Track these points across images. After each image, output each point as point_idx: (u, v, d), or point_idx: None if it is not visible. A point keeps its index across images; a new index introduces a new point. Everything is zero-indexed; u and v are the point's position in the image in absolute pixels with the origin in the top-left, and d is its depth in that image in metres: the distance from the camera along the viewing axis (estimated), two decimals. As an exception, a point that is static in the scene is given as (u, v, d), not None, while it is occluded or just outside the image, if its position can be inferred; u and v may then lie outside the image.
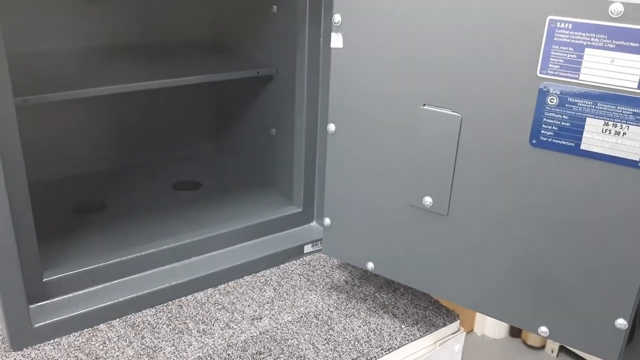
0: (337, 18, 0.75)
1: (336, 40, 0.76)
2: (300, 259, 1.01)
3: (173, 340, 0.80)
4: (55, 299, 0.82)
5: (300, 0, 0.91)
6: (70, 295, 0.83)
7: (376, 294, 0.91)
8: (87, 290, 0.85)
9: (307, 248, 1.01)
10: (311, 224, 1.06)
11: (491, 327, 2.10)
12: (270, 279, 0.94)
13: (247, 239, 0.99)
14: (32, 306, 0.80)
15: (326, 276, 0.95)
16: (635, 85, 0.58)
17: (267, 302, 0.88)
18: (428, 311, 0.88)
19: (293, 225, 1.05)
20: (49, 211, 1.03)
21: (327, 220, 0.86)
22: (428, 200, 0.75)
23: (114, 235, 0.95)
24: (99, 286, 0.86)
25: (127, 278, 0.88)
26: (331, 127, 0.81)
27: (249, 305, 0.87)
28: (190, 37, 1.23)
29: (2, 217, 0.71)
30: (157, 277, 0.89)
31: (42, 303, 0.81)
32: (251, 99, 1.15)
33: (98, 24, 1.11)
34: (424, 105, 0.72)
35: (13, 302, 0.76)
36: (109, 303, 0.83)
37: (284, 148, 1.07)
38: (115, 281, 0.87)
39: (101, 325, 0.82)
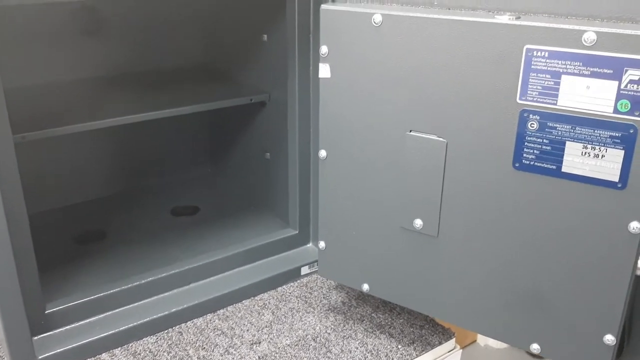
0: (324, 49, 0.78)
1: (324, 71, 0.79)
2: (298, 281, 1.02)
3: (174, 367, 0.81)
4: (58, 330, 0.84)
5: (290, 29, 0.94)
6: (73, 325, 0.85)
7: (373, 314, 0.93)
8: (89, 320, 0.86)
9: (304, 270, 1.03)
10: (307, 245, 1.08)
11: (493, 338, 2.10)
12: (269, 303, 0.96)
13: (245, 263, 1.01)
14: (35, 338, 0.81)
15: (323, 297, 0.97)
16: (611, 109, 0.60)
17: (266, 326, 0.90)
18: (424, 330, 0.90)
19: (290, 248, 1.06)
20: (50, 242, 1.04)
21: (321, 244, 0.88)
22: (418, 222, 0.77)
23: (115, 265, 0.97)
24: (101, 316, 0.87)
25: (127, 307, 0.90)
26: (322, 153, 0.83)
27: (247, 330, 0.89)
28: (185, 64, 1.25)
29: (4, 251, 0.73)
30: (157, 305, 0.91)
31: (46, 335, 0.83)
32: (245, 124, 1.17)
33: (94, 55, 1.14)
34: (411, 131, 0.74)
35: (16, 335, 0.77)
36: (110, 332, 0.85)
37: (279, 171, 1.09)
38: (117, 310, 0.89)
39: (103, 354, 0.84)
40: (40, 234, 0.79)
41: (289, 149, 1.04)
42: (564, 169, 0.64)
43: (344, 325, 0.90)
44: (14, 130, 0.77)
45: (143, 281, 0.91)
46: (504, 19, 0.64)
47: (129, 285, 0.90)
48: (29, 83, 1.08)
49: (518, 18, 0.64)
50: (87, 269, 0.95)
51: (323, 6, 0.76)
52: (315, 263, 1.04)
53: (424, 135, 0.73)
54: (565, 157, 0.64)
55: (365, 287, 0.85)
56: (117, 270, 0.95)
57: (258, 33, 1.04)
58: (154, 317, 0.88)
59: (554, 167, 0.65)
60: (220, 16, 1.17)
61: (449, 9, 0.72)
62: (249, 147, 1.18)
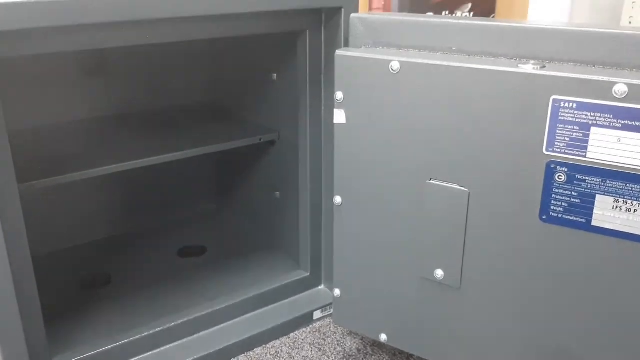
0: (339, 95, 0.75)
1: (339, 116, 0.77)
2: (310, 326, 0.99)
3: None
4: (65, 386, 0.81)
5: (300, 69, 0.92)
6: (80, 380, 0.82)
7: (390, 363, 0.90)
8: (96, 374, 0.83)
9: (317, 314, 1.00)
10: (319, 287, 1.05)
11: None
12: (281, 351, 0.92)
13: (255, 308, 0.98)
14: (41, 395, 0.78)
15: (337, 344, 0.94)
16: (644, 163, 0.58)
17: (280, 377, 0.87)
18: (443, 379, 0.87)
19: (301, 290, 1.03)
20: (55, 287, 1.01)
21: (337, 291, 0.85)
22: (440, 273, 0.74)
23: (122, 313, 0.94)
24: (108, 369, 0.84)
25: (136, 358, 0.86)
26: (337, 199, 0.81)
27: (261, 381, 0.86)
28: (193, 103, 1.23)
29: (8, 305, 0.71)
30: (167, 355, 0.88)
31: (51, 391, 0.80)
32: (254, 162, 1.15)
33: (100, 95, 1.12)
34: (430, 179, 0.72)
35: (22, 393, 0.74)
36: (119, 387, 0.81)
37: (289, 211, 1.07)
38: (125, 362, 0.86)
39: (112, 411, 0.81)
40: (45, 277, 0.77)
41: (299, 188, 1.01)
42: (594, 223, 0.62)
43: (361, 375, 0.87)
44: (22, 178, 0.74)
45: (151, 331, 0.88)
46: (529, 68, 0.62)
47: (137, 337, 0.86)
48: (34, 125, 1.06)
49: (543, 67, 0.62)
50: (94, 318, 0.92)
51: (338, 52, 0.74)
52: (328, 307, 1.01)
53: (444, 184, 0.71)
54: (595, 211, 0.61)
55: (383, 337, 0.82)
56: (124, 319, 0.92)
57: (267, 72, 1.02)
58: (164, 369, 0.85)
59: (584, 220, 0.62)
60: (228, 55, 1.15)
61: (469, 55, 0.70)
62: (258, 186, 1.15)
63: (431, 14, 1.69)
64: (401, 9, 1.62)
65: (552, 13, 1.97)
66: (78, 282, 1.03)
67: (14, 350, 0.73)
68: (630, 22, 2.00)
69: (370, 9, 1.59)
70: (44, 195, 1.11)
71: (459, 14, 1.78)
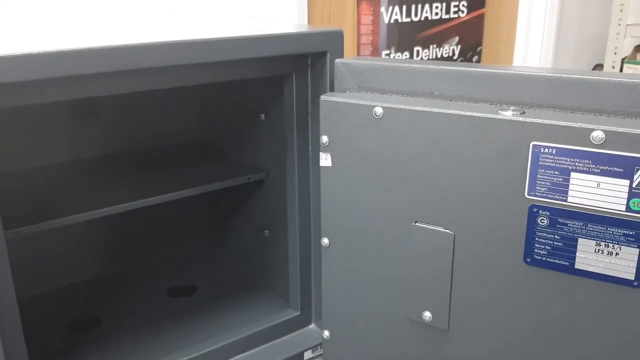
0: (324, 139, 0.76)
1: (324, 160, 0.77)
2: (301, 367, 0.99)
3: None
4: None
5: (287, 111, 0.93)
6: None
7: (381, 404, 0.89)
8: (84, 421, 0.82)
9: (307, 354, 1.00)
10: (310, 326, 1.05)
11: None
12: (272, 392, 0.92)
13: (246, 349, 0.98)
14: None
15: (328, 385, 0.93)
16: (624, 207, 0.58)
17: (270, 421, 0.86)
18: (435, 420, 0.86)
19: (292, 330, 1.03)
20: (42, 330, 1.01)
21: (326, 333, 0.85)
22: (428, 314, 0.74)
23: (112, 356, 0.93)
24: (96, 415, 0.83)
25: (125, 404, 0.86)
26: (325, 241, 0.81)
27: None
28: (181, 143, 1.24)
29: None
30: (156, 401, 0.87)
31: None
32: (243, 201, 1.15)
33: (88, 136, 1.12)
34: (416, 222, 0.72)
35: None
36: None
37: (279, 249, 1.07)
38: (113, 409, 0.85)
39: None
40: (31, 321, 0.76)
41: (288, 227, 1.02)
42: (577, 266, 0.62)
43: (352, 417, 0.86)
44: (9, 224, 0.74)
45: (141, 376, 0.87)
46: (509, 114, 0.63)
47: (126, 382, 0.86)
48: (21, 168, 1.06)
49: (523, 113, 0.63)
50: (82, 363, 0.92)
51: (323, 97, 0.76)
52: (319, 346, 1.01)
53: (430, 227, 0.71)
54: (578, 254, 0.62)
55: (373, 379, 0.82)
56: (113, 364, 0.91)
57: (255, 113, 1.03)
58: (153, 415, 0.84)
59: (567, 263, 0.63)
60: (217, 96, 1.17)
61: (450, 100, 0.71)
62: (247, 225, 1.16)
63: (419, 48, 1.71)
64: (389, 44, 1.64)
65: (537, 44, 2.00)
66: (66, 325, 1.03)
67: (0, 401, 0.72)
68: (615, 53, 2.04)
69: (359, 44, 1.61)
70: (32, 236, 1.10)
71: (446, 47, 1.81)
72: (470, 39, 1.85)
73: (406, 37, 1.67)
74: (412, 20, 1.66)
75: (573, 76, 0.64)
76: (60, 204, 0.90)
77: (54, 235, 1.13)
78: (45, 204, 0.90)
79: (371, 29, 1.59)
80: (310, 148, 0.96)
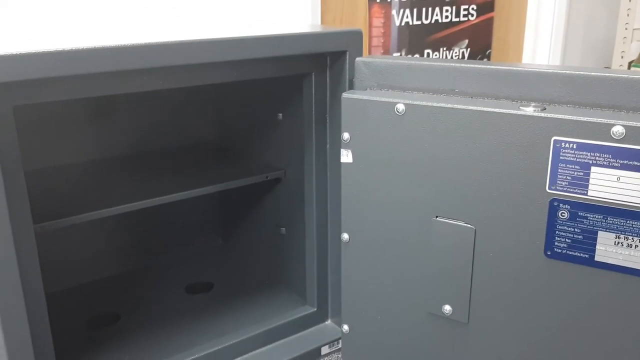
0: (345, 136, 0.78)
1: (345, 156, 0.79)
2: (318, 362, 1.00)
3: None
4: None
5: (306, 110, 0.95)
6: (90, 422, 0.82)
7: (398, 398, 0.90)
8: (106, 414, 0.84)
9: (325, 350, 1.01)
10: (326, 322, 1.06)
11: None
12: (290, 387, 0.93)
13: (263, 344, 0.99)
14: None
15: (346, 380, 0.94)
16: (643, 200, 0.60)
17: (289, 414, 0.87)
18: (452, 414, 0.87)
19: (308, 326, 1.04)
20: (62, 327, 1.02)
21: (345, 327, 0.86)
22: (447, 308, 0.75)
23: (131, 352, 0.94)
24: (118, 408, 0.85)
25: (146, 397, 0.87)
26: (345, 236, 0.83)
27: (271, 419, 0.86)
28: (200, 142, 1.26)
29: (22, 342, 0.72)
30: (177, 395, 0.88)
31: None
32: (259, 199, 1.17)
33: (107, 137, 1.14)
34: (437, 217, 0.74)
35: None
36: None
37: (295, 247, 1.08)
38: (135, 402, 0.86)
39: None
40: (52, 318, 0.78)
41: (305, 225, 1.03)
42: (597, 258, 0.64)
43: (370, 411, 0.88)
44: (35, 219, 0.76)
45: (161, 370, 0.89)
46: (530, 110, 0.64)
47: (148, 375, 0.87)
48: (42, 166, 1.08)
49: (544, 109, 0.65)
50: (103, 357, 0.93)
51: (344, 94, 0.77)
52: (336, 342, 1.02)
53: (451, 222, 0.73)
54: (597, 247, 0.63)
55: (392, 372, 0.83)
56: (133, 358, 0.92)
57: (274, 112, 1.05)
58: (174, 408, 0.86)
59: (587, 256, 0.64)
60: (235, 95, 1.18)
61: (472, 97, 0.73)
62: (264, 222, 1.17)
63: (429, 51, 1.73)
64: (399, 47, 1.66)
65: (545, 48, 2.02)
66: (86, 321, 1.04)
67: (26, 390, 0.73)
68: (622, 57, 2.05)
69: (370, 46, 1.63)
70: (51, 234, 1.12)
71: (456, 49, 1.83)
72: (480, 42, 1.87)
73: (417, 39, 1.69)
74: (422, 23, 1.68)
75: (593, 73, 0.65)
76: (82, 201, 0.92)
77: (74, 233, 1.15)
78: (67, 201, 0.92)
79: (382, 31, 1.61)
80: (328, 146, 0.98)
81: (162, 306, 1.09)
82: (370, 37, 1.63)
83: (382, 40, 1.64)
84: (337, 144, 0.84)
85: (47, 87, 0.69)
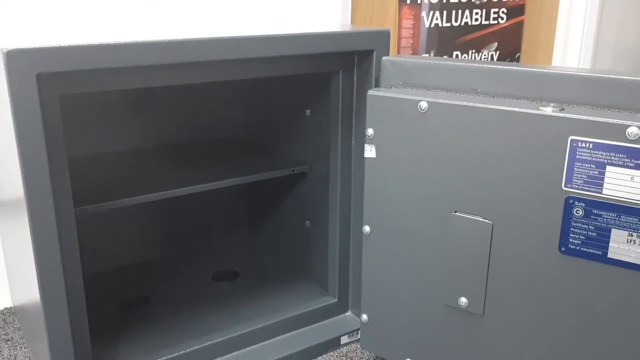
0: (369, 131, 0.81)
1: (369, 151, 0.82)
2: (337, 351, 1.03)
3: None
4: (106, 401, 0.86)
5: (333, 107, 0.98)
6: (120, 396, 0.87)
7: (414, 388, 0.93)
8: (135, 390, 0.88)
9: (344, 339, 1.04)
10: (346, 313, 1.10)
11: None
12: (309, 373, 0.96)
13: (285, 331, 1.03)
14: (83, 410, 0.84)
15: (364, 369, 0.98)
16: (656, 200, 0.62)
17: (308, 398, 0.90)
18: (466, 405, 0.90)
19: (329, 316, 1.08)
20: (97, 307, 1.07)
21: (364, 316, 0.90)
22: (464, 300, 0.78)
23: (159, 332, 0.99)
24: (146, 385, 0.89)
25: (173, 377, 0.92)
26: (366, 228, 0.86)
27: (290, 402, 0.89)
28: (229, 136, 1.30)
29: (61, 320, 0.77)
30: (201, 374, 0.92)
31: (94, 404, 0.85)
32: (285, 193, 1.21)
33: (143, 128, 1.19)
34: (456, 211, 0.76)
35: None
36: (156, 403, 0.86)
37: (318, 239, 1.12)
38: (162, 380, 0.91)
39: None
40: (87, 298, 0.83)
41: (329, 218, 1.07)
42: (609, 255, 0.66)
43: (386, 399, 0.90)
44: (76, 203, 0.81)
45: (186, 350, 0.93)
46: (549, 110, 0.67)
47: (174, 355, 0.92)
48: (83, 154, 1.14)
49: (562, 110, 0.67)
50: (133, 336, 0.98)
51: (370, 92, 0.80)
52: (355, 332, 1.05)
53: (469, 217, 0.75)
54: (611, 244, 0.65)
55: (408, 362, 0.86)
56: (161, 339, 0.97)
57: (301, 108, 1.08)
58: (199, 387, 0.90)
59: (600, 252, 0.66)
60: (264, 92, 1.23)
61: (493, 96, 0.75)
62: (289, 215, 1.21)
63: (457, 53, 1.75)
64: (428, 48, 1.68)
65: (575, 52, 2.01)
66: (118, 303, 1.09)
67: (63, 365, 0.78)
68: (654, 62, 2.03)
69: (399, 47, 1.65)
70: (88, 221, 1.18)
71: (485, 52, 1.84)
72: (509, 46, 1.87)
73: (446, 41, 1.71)
74: (452, 25, 1.70)
75: (610, 76, 0.67)
76: (119, 188, 0.97)
77: (111, 221, 1.20)
78: (105, 188, 0.97)
79: (412, 32, 1.64)
80: (353, 143, 1.01)
81: (189, 292, 1.13)
82: (399, 38, 1.65)
83: (412, 42, 1.66)
84: (362, 141, 0.87)
85: (91, 78, 0.74)
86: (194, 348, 0.93)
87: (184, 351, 0.93)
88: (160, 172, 1.05)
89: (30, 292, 0.83)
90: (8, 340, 1.05)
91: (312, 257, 1.15)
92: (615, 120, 0.62)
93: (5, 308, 1.16)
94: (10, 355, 1.00)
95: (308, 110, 1.07)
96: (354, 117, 0.99)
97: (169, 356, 0.91)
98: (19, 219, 0.79)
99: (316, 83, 1.03)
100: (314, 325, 1.06)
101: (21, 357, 1.00)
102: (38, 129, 0.69)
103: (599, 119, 0.63)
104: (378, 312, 0.87)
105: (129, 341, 0.97)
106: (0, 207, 1.02)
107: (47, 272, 0.75)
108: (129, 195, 0.93)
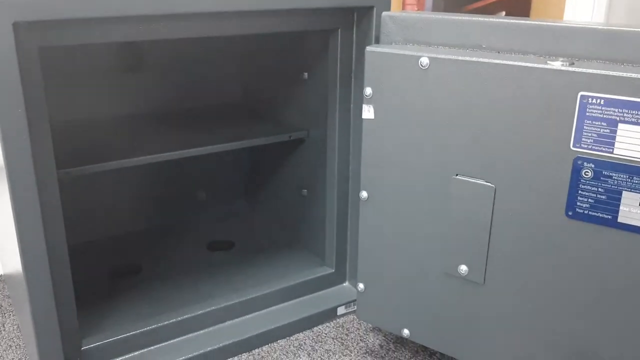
0: (368, 91, 0.77)
1: (367, 112, 0.78)
2: (334, 321, 1.00)
3: (209, 410, 0.80)
4: (94, 367, 0.84)
5: (331, 69, 0.94)
6: (108, 363, 0.85)
7: None
8: (124, 357, 0.86)
9: (341, 310, 1.01)
10: (344, 284, 1.06)
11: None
12: (304, 343, 0.94)
13: (280, 301, 1.00)
14: (71, 375, 0.81)
15: (360, 340, 0.95)
16: (672, 160, 0.58)
17: (302, 368, 0.88)
18: (465, 377, 0.87)
19: (325, 286, 1.05)
20: (87, 275, 1.05)
21: (360, 286, 0.86)
22: (463, 268, 0.75)
23: (151, 300, 0.96)
24: (136, 353, 0.87)
25: (164, 344, 0.89)
26: (363, 194, 0.82)
27: (283, 372, 0.87)
28: (224, 101, 1.26)
29: (44, 286, 0.74)
30: (193, 343, 0.89)
31: (81, 371, 0.83)
32: (283, 160, 1.17)
33: (135, 92, 1.15)
34: (457, 175, 0.73)
35: (53, 372, 0.77)
36: (145, 371, 0.84)
37: (316, 209, 1.08)
38: (152, 347, 0.88)
39: (138, 393, 0.83)
40: (76, 266, 0.80)
41: (327, 187, 1.03)
42: (620, 219, 0.62)
43: (382, 371, 0.88)
44: (58, 165, 0.78)
45: (179, 318, 0.90)
46: (557, 64, 0.62)
47: (165, 323, 0.89)
48: (71, 118, 1.10)
49: (572, 64, 0.62)
50: (123, 304, 0.95)
51: (368, 48, 0.76)
52: (352, 303, 1.02)
53: (470, 180, 0.71)
54: (621, 207, 0.61)
55: (406, 332, 0.83)
56: (152, 306, 0.94)
57: (298, 71, 1.04)
58: (190, 355, 0.87)
59: (610, 217, 0.62)
60: (260, 54, 1.18)
61: (499, 52, 0.71)
62: (286, 184, 1.17)
63: (463, 20, 1.69)
64: (433, 15, 1.63)
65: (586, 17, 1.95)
66: (108, 271, 1.07)
67: (48, 332, 0.76)
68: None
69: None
70: (81, 188, 1.14)
71: (491, 22, 1.78)
72: (517, 15, 1.81)
73: (452, 9, 1.65)
74: (458, -9, 1.64)
75: (623, 29, 0.62)
76: (107, 151, 0.93)
77: (101, 189, 1.17)
78: (93, 152, 0.93)
79: (416, -1, 1.58)
80: (352, 107, 0.97)
81: (183, 261, 1.10)
82: (404, 5, 1.60)
83: (416, 9, 1.61)
84: (361, 106, 0.82)
85: (72, 28, 0.70)
86: (185, 316, 0.91)
87: (174, 319, 0.90)
88: (151, 137, 1.02)
89: (14, 259, 0.80)
90: (-3, 308, 1.02)
91: (309, 227, 1.12)
92: (629, 74, 0.58)
93: (-4, 276, 1.13)
94: (-1, 323, 0.98)
95: (305, 74, 1.03)
96: (352, 80, 0.95)
97: (160, 324, 0.89)
98: (2, 181, 0.75)
99: (314, 43, 0.98)
100: (310, 295, 1.03)
101: (9, 325, 0.97)
102: (15, 81, 0.65)
103: (611, 73, 0.59)
104: (375, 281, 0.84)
105: (119, 308, 0.94)
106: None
107: (27, 235, 0.72)
108: (117, 158, 0.89)
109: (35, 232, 0.72)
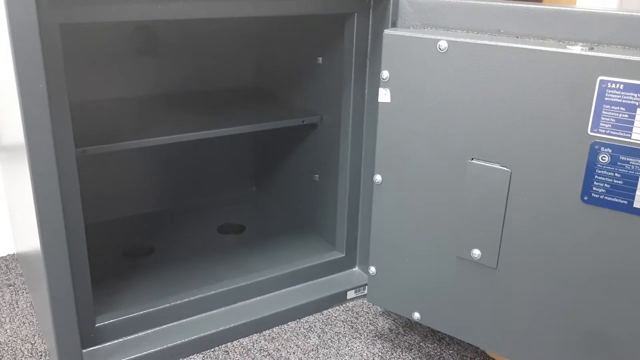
0: (385, 74, 0.77)
1: (384, 95, 0.78)
2: (344, 305, 1.01)
3: (221, 388, 0.81)
4: (107, 344, 0.84)
5: (347, 53, 0.94)
6: (121, 340, 0.85)
7: (421, 344, 0.91)
8: (136, 335, 0.87)
9: (350, 294, 1.02)
10: (354, 269, 1.07)
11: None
12: (314, 326, 0.95)
13: (291, 284, 1.01)
14: (85, 351, 0.82)
15: (370, 323, 0.95)
16: (690, 145, 0.58)
17: (312, 350, 0.88)
18: (474, 362, 0.88)
19: (336, 271, 1.05)
20: (101, 255, 1.06)
21: (372, 269, 0.87)
22: (476, 252, 0.75)
23: (163, 280, 0.97)
24: (148, 331, 0.88)
25: (175, 323, 0.90)
26: (377, 178, 0.83)
27: (294, 353, 0.88)
28: (238, 85, 1.27)
29: (61, 264, 0.74)
30: (204, 323, 0.90)
31: (95, 347, 0.83)
32: (294, 145, 1.18)
33: (150, 74, 1.16)
34: (472, 159, 0.73)
35: (67, 347, 0.78)
36: (157, 349, 0.84)
37: (327, 194, 1.09)
38: (164, 326, 0.89)
39: (151, 370, 0.84)
40: (91, 245, 0.80)
41: (339, 172, 1.03)
42: (635, 205, 0.62)
43: (392, 354, 0.88)
44: (77, 144, 0.78)
45: (192, 298, 0.91)
46: (577, 49, 0.62)
47: (178, 302, 0.90)
48: (88, 99, 1.11)
49: (591, 49, 0.63)
50: (136, 284, 0.96)
51: (386, 31, 0.76)
52: (362, 288, 1.03)
53: (486, 164, 0.72)
54: (637, 193, 0.62)
55: (417, 315, 0.83)
56: (165, 286, 0.95)
57: (313, 55, 1.04)
58: (202, 335, 0.88)
59: (625, 202, 0.63)
60: (276, 39, 1.18)
61: (517, 37, 0.71)
62: (297, 168, 1.18)
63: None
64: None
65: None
66: (121, 251, 1.07)
67: (64, 309, 0.76)
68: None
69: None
70: (94, 170, 1.15)
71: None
72: (529, 1, 1.81)
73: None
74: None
75: (646, 14, 0.63)
76: (121, 132, 0.94)
77: (116, 171, 1.18)
78: (110, 131, 0.94)
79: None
80: (366, 92, 0.97)
81: (195, 243, 1.11)
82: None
83: None
84: (376, 90, 0.82)
85: (92, 6, 0.70)
86: (197, 297, 0.92)
87: (186, 299, 0.91)
88: (165, 119, 1.02)
89: (31, 237, 0.81)
90: (10, 285, 1.03)
91: (320, 211, 1.13)
92: (649, 59, 0.58)
93: (9, 254, 1.14)
94: (12, 300, 0.99)
95: (320, 58, 1.03)
96: (367, 65, 0.95)
97: (172, 304, 0.89)
98: (20, 161, 0.76)
99: (329, 27, 0.98)
100: (320, 279, 1.04)
101: (22, 302, 0.99)
102: (37, 57, 0.66)
103: (632, 58, 0.59)
104: (386, 264, 0.85)
105: (132, 288, 0.95)
106: (2, 152, 0.99)
107: (46, 212, 0.72)
108: (132, 138, 0.90)
109: (54, 209, 0.73)
